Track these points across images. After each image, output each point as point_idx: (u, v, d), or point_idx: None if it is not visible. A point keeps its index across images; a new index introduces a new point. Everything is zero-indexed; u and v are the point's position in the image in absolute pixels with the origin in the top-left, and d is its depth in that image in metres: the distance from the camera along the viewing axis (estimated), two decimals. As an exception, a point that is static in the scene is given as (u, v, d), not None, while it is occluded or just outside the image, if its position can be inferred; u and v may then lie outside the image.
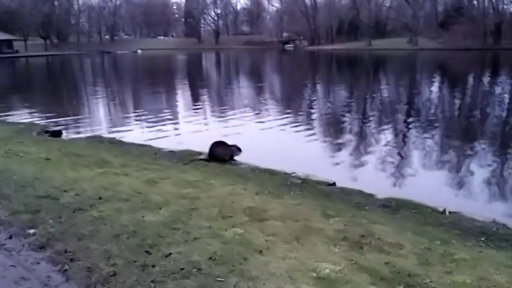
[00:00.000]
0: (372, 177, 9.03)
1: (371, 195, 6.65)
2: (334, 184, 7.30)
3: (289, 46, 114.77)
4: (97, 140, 10.95)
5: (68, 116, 17.12)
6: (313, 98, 23.25)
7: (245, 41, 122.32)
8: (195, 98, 24.38)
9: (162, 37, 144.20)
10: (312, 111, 18.70)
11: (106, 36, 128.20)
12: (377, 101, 21.64)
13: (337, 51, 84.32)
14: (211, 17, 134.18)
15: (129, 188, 6.46)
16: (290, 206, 5.84)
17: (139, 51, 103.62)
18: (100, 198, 5.93)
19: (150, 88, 28.95)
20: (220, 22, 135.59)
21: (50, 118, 16.34)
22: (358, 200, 6.39)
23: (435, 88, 27.77)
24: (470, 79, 32.89)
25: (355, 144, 12.12)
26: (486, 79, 32.36)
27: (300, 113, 18.05)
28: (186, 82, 34.47)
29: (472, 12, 75.61)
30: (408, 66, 49.51)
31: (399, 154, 10.92)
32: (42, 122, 15.15)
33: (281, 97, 25.03)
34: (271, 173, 7.85)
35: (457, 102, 21.50)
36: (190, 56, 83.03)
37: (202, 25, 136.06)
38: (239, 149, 9.03)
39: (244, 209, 5.64)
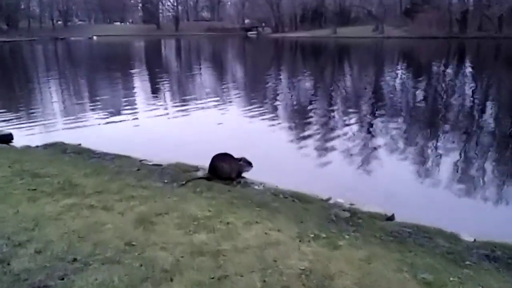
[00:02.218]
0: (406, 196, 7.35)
1: (457, 237, 4.84)
2: (393, 216, 5.45)
3: (251, 33, 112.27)
4: (59, 149, 8.69)
5: (20, 114, 14.60)
6: (283, 89, 21.46)
7: (206, 27, 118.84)
8: (158, 89, 22.09)
9: (118, 23, 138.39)
10: (287, 103, 17.01)
11: (59, 22, 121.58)
12: (343, 91, 20.25)
13: (302, 39, 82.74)
14: (170, 2, 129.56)
15: (116, 236, 4.41)
16: (361, 265, 3.97)
17: (95, 37, 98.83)
18: (75, 260, 3.87)
19: (109, 79, 26.37)
20: (180, 8, 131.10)
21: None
22: (446, 247, 4.57)
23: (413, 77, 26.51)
24: (437, 68, 31.98)
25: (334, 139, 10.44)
26: (452, 68, 31.65)
27: (275, 107, 16.40)
28: (147, 72, 31.88)
29: (438, 1, 75.37)
30: (375, 55, 48.42)
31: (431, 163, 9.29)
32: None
33: (247, 86, 23.07)
34: (302, 199, 5.94)
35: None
36: (149, 43, 79.58)
37: (161, 11, 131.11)
38: (249, 164, 7.06)
39: (298, 275, 3.75)
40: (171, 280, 3.61)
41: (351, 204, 5.67)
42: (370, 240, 4.63)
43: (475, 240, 4.75)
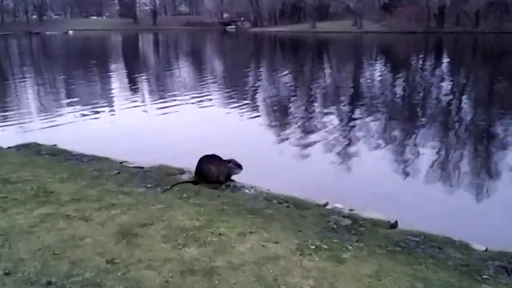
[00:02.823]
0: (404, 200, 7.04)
1: (467, 246, 4.48)
2: (396, 223, 5.08)
3: (230, 28, 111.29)
4: (33, 150, 8.11)
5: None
6: (264, 85, 21.04)
7: (185, 22, 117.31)
8: (136, 86, 21.47)
9: (95, 17, 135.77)
10: (269, 101, 16.57)
11: (34, 16, 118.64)
12: (325, 87, 19.96)
13: (281, 34, 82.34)
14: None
15: (96, 252, 3.94)
16: (371, 284, 3.61)
17: (71, 32, 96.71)
18: (49, 283, 3.40)
19: (86, 75, 25.53)
20: (157, 1, 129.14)
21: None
22: (459, 258, 4.20)
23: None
24: (416, 62, 32.00)
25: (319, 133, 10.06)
26: (430, 63, 31.67)
27: (257, 104, 16.02)
28: (124, 68, 31.07)
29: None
30: (354, 50, 48.31)
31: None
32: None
33: (228, 83, 22.54)
34: (297, 204, 5.52)
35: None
36: (126, 38, 78.26)
37: (138, 5, 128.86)
38: (239, 166, 6.62)
39: None
40: (161, 306, 3.16)
41: (350, 210, 5.29)
42: (375, 251, 4.25)
43: (486, 249, 4.42)
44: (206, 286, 3.46)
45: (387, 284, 3.58)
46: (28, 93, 18.94)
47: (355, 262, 3.97)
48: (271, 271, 3.72)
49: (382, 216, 5.09)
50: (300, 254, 4.06)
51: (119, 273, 3.61)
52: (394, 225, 4.99)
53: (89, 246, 4.07)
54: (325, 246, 4.27)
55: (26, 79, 23.48)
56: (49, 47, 58.46)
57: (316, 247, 4.23)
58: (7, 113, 13.89)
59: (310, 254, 4.07)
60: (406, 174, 8.05)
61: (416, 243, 4.44)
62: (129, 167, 7.01)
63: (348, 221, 4.92)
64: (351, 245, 4.35)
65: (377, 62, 33.02)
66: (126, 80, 23.57)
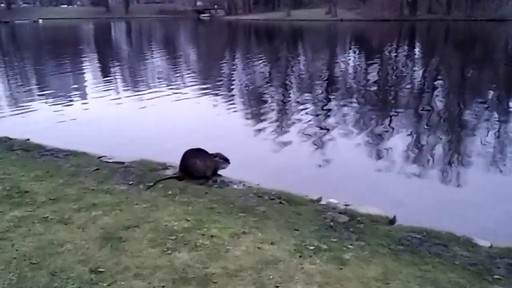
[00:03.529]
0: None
1: (472, 243, 4.27)
2: (394, 219, 4.84)
3: (204, 16, 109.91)
4: (4, 146, 7.60)
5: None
6: (239, 74, 20.70)
7: (158, 10, 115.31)
8: (110, 76, 20.82)
9: (65, 6, 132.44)
10: (245, 90, 16.28)
11: (2, 4, 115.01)
12: (301, 76, 19.63)
13: (256, 22, 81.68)
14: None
15: (78, 260, 3.60)
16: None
17: (40, 21, 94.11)
18: (27, 299, 3.03)
19: (58, 65, 24.67)
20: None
21: None
22: (466, 256, 3.99)
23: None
24: (390, 50, 32.07)
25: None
26: (403, 50, 31.75)
27: (233, 94, 15.72)
28: (97, 57, 30.22)
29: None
30: (329, 37, 48.20)
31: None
32: None
33: (203, 72, 22.07)
34: (290, 200, 5.23)
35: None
36: (98, 27, 76.51)
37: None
38: (226, 160, 6.28)
39: None
40: (154, 323, 2.84)
41: (346, 205, 5.04)
42: (378, 251, 4.01)
43: (491, 245, 4.22)
44: (202, 296, 3.15)
45: (397, 288, 3.34)
46: (-3, 84, 18.15)
47: (359, 264, 3.72)
48: (271, 277, 3.45)
49: (380, 212, 4.85)
50: (300, 256, 3.79)
51: (105, 284, 3.28)
52: (392, 221, 4.76)
53: (70, 253, 3.72)
54: (324, 246, 4.01)
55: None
56: (19, 36, 56.64)
57: (315, 248, 3.97)
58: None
59: (310, 256, 3.81)
60: (394, 165, 7.85)
61: (419, 240, 4.21)
62: (108, 162, 6.62)
63: (345, 218, 4.66)
64: (351, 244, 4.10)
65: (351, 50, 32.90)
66: (100, 71, 22.88)
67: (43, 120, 11.29)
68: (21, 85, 18.28)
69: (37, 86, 17.84)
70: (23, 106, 13.12)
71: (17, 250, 3.74)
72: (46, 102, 13.80)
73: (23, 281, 3.27)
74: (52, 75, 20.51)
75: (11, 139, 7.96)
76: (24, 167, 6.22)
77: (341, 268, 3.62)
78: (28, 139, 7.96)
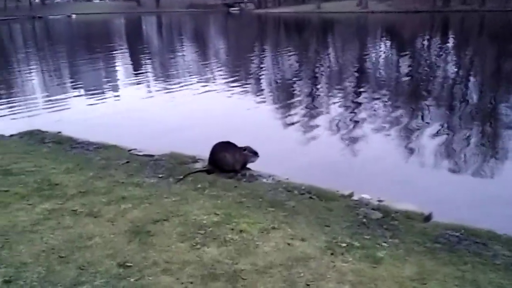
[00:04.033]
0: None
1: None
2: (430, 215, 4.65)
3: (234, 10, 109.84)
4: (36, 138, 7.69)
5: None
6: (270, 68, 20.55)
7: (188, 4, 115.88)
8: (141, 70, 20.96)
9: (97, 1, 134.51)
10: (275, 84, 16.13)
11: (37, 0, 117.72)
12: (333, 69, 19.27)
13: (286, 15, 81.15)
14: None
15: (106, 254, 3.56)
16: (416, 288, 3.16)
17: (73, 16, 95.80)
18: (55, 293, 3.00)
19: (90, 60, 24.98)
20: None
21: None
22: (508, 256, 3.78)
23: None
24: (422, 42, 31.28)
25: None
26: (436, 42, 30.91)
27: (264, 88, 15.59)
28: (129, 51, 30.49)
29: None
30: (360, 30, 47.40)
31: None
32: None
33: (233, 66, 21.92)
34: (321, 195, 5.10)
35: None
36: (129, 21, 77.36)
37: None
38: (255, 154, 6.18)
39: None
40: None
41: (379, 201, 4.87)
42: (413, 249, 3.85)
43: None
44: (232, 294, 3.07)
45: (436, 290, 3.18)
46: (31, 78, 18.50)
47: (393, 263, 3.57)
48: (302, 274, 3.33)
49: (415, 208, 4.66)
50: (332, 254, 3.66)
51: (133, 279, 3.23)
52: (428, 218, 4.57)
53: (99, 247, 3.69)
54: (357, 244, 3.87)
55: (29, 64, 23.03)
56: (52, 31, 57.85)
57: (347, 245, 3.83)
58: (10, 99, 13.52)
59: (342, 254, 3.68)
60: (427, 160, 7.60)
61: (457, 238, 4.02)
62: (138, 155, 6.62)
63: (378, 214, 4.50)
64: (385, 242, 3.95)
65: (382, 43, 32.27)
66: (131, 65, 23.09)
67: (75, 113, 11.43)
68: (54, 79, 18.61)
69: (70, 80, 18.13)
70: (55, 99, 13.32)
71: (46, 243, 3.73)
72: (78, 96, 14.00)
73: (52, 275, 3.25)
74: (85, 69, 20.80)
75: (43, 132, 8.05)
76: (55, 159, 6.26)
77: (374, 267, 3.48)
78: (60, 132, 8.04)
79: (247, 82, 16.04)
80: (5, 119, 10.87)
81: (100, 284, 3.15)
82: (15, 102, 12.99)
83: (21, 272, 3.28)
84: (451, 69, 18.42)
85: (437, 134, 8.93)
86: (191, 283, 3.20)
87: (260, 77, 17.39)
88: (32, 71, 20.36)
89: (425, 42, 30.90)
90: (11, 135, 7.97)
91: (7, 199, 4.69)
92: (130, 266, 3.41)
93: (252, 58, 24.25)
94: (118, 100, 13.59)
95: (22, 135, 7.93)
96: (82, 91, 14.66)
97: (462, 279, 3.36)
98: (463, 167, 7.36)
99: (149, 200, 4.74)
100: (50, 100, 13.20)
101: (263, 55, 25.70)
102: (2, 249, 3.62)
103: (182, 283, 3.19)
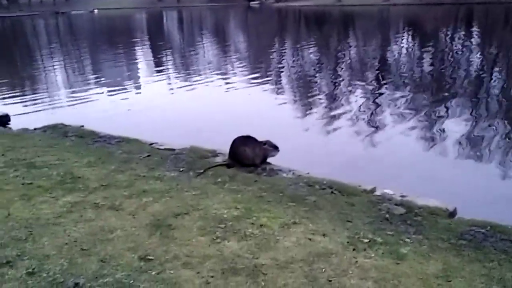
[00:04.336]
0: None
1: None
2: (455, 211, 4.56)
3: (254, 3, 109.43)
4: (60, 132, 7.79)
5: (19, 93, 13.71)
6: (291, 63, 20.39)
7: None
8: (162, 65, 21.09)
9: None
10: (296, 78, 16.00)
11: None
12: (356, 63, 18.98)
13: (306, 8, 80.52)
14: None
15: (127, 247, 3.57)
16: (440, 286, 3.10)
17: (96, 11, 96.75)
18: (77, 286, 3.03)
19: (112, 55, 25.19)
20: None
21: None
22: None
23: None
24: (445, 34, 30.66)
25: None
26: (459, 34, 30.25)
27: (285, 82, 15.54)
28: (150, 46, 30.67)
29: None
30: (382, 23, 46.79)
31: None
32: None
33: (254, 60, 21.83)
34: (342, 190, 5.04)
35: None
36: (150, 16, 77.75)
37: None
38: (275, 148, 6.14)
39: None
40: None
41: (402, 196, 4.79)
42: (438, 245, 3.77)
43: None
44: (253, 288, 3.05)
45: (458, 287, 3.11)
46: (55, 73, 18.78)
47: (417, 259, 3.50)
48: (324, 270, 3.29)
49: (439, 204, 4.57)
50: (354, 250, 3.61)
51: (154, 273, 3.23)
52: (453, 214, 4.47)
53: (120, 240, 3.70)
54: (379, 240, 3.81)
55: (53, 60, 23.36)
56: (75, 27, 58.54)
57: (370, 241, 3.78)
58: (34, 94, 13.73)
59: (365, 249, 3.62)
60: (451, 155, 7.47)
61: (483, 235, 3.93)
62: (159, 149, 6.64)
63: (401, 210, 4.43)
64: (408, 238, 3.88)
65: (404, 36, 31.78)
66: (152, 60, 23.23)
67: (97, 108, 11.54)
68: (77, 74, 18.84)
69: (92, 75, 18.32)
70: (78, 93, 13.49)
71: (68, 236, 3.76)
72: (100, 90, 14.13)
73: (74, 267, 3.28)
74: (107, 65, 21.00)
75: (66, 125, 8.14)
76: (78, 153, 6.32)
77: (398, 263, 3.42)
78: (83, 126, 8.12)
79: (268, 76, 15.96)
80: (30, 113, 11.03)
81: (121, 277, 3.16)
82: (39, 97, 13.19)
83: (44, 264, 3.31)
84: (475, 62, 18.06)
85: (461, 128, 8.76)
86: (212, 277, 3.19)
87: (281, 72, 17.31)
88: (55, 66, 20.65)
89: (448, 35, 30.35)
90: (35, 129, 8.07)
91: (31, 191, 4.75)
92: (151, 259, 3.41)
93: (272, 52, 24.15)
94: (140, 94, 13.68)
95: (45, 128, 8.03)
96: (104, 86, 14.79)
97: (488, 276, 3.28)
98: (488, 162, 7.21)
99: (169, 194, 4.74)
100: (73, 95, 13.36)
101: (283, 50, 25.58)
102: (25, 241, 3.66)
103: (203, 277, 3.18)
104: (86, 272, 3.21)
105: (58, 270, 3.24)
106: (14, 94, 13.48)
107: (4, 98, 12.74)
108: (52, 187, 4.91)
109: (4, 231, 3.81)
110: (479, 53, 21.05)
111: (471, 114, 9.90)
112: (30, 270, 3.23)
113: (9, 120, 9.26)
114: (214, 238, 3.77)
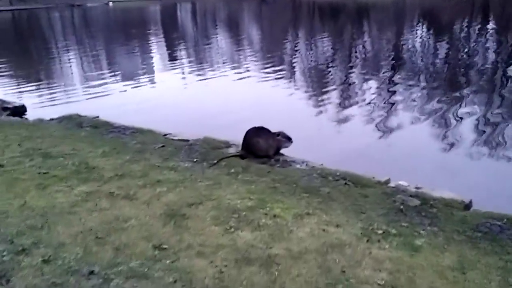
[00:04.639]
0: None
1: None
2: (470, 203, 4.50)
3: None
4: (75, 122, 7.84)
5: (35, 84, 13.84)
6: (305, 55, 20.28)
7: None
8: (176, 56, 21.02)
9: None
10: (310, 70, 15.87)
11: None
12: (371, 56, 18.75)
13: (320, 0, 79.98)
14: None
15: (141, 236, 3.59)
16: (455, 278, 3.13)
17: (111, 3, 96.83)
18: (92, 273, 3.07)
19: (127, 47, 25.21)
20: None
21: (12, 89, 13.06)
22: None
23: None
24: (461, 26, 30.18)
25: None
26: (476, 26, 29.74)
27: (298, 74, 15.47)
28: (164, 38, 30.64)
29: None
30: (396, 14, 46.22)
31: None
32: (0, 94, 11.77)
33: (268, 52, 21.60)
34: (356, 182, 5.01)
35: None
36: (164, 8, 77.63)
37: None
38: (289, 139, 6.12)
39: None
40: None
41: (417, 188, 4.75)
42: (453, 237, 3.73)
43: None
44: (265, 279, 3.06)
45: (474, 279, 3.09)
46: (70, 65, 18.90)
47: (432, 251, 3.47)
48: (337, 261, 3.28)
49: (455, 195, 4.52)
50: (367, 241, 3.59)
51: (168, 262, 3.25)
52: (468, 206, 4.42)
53: (134, 229, 3.73)
54: (394, 231, 3.78)
55: (68, 51, 23.51)
56: (90, 19, 58.78)
57: (384, 232, 3.75)
58: (50, 85, 13.84)
59: (379, 241, 3.60)
60: (466, 147, 7.37)
61: (499, 228, 3.88)
62: (173, 140, 6.66)
63: (416, 201, 4.39)
64: (423, 230, 3.84)
65: (419, 28, 31.36)
66: (166, 51, 23.23)
67: (112, 99, 11.60)
68: (93, 65, 18.93)
69: (108, 66, 18.39)
70: (94, 85, 13.55)
71: (83, 224, 3.79)
72: (115, 81, 14.19)
73: (89, 256, 3.31)
74: (122, 56, 21.06)
75: (81, 116, 8.18)
76: (92, 143, 6.36)
77: (412, 255, 3.40)
78: (97, 117, 8.15)
79: (282, 68, 15.88)
80: (46, 103, 11.13)
81: (135, 265, 3.18)
82: (55, 88, 13.29)
83: (59, 252, 3.34)
84: (492, 55, 17.77)
85: (476, 121, 8.65)
86: (225, 266, 3.19)
87: (295, 64, 17.22)
88: (71, 58, 20.78)
89: (464, 27, 29.91)
90: (51, 119, 8.13)
91: (46, 181, 4.79)
92: (165, 248, 3.43)
93: (286, 44, 24.02)
94: (154, 86, 13.71)
95: (61, 119, 8.08)
96: (119, 78, 14.85)
97: (504, 269, 3.24)
98: (503, 154, 7.11)
99: (183, 184, 4.76)
100: (89, 86, 13.43)
101: (297, 42, 25.42)
102: (41, 229, 3.70)
103: (216, 266, 3.19)
104: (100, 260, 3.24)
105: (73, 258, 3.28)
106: (31, 86, 13.58)
107: (20, 89, 12.85)
108: (67, 176, 4.95)
109: (20, 219, 3.86)
110: (496, 45, 20.73)
111: (487, 105, 9.76)
112: (45, 257, 3.26)
113: (26, 111, 9.34)
114: (228, 228, 3.77)
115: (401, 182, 4.90)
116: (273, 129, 6.06)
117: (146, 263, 3.22)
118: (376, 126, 8.63)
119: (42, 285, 2.93)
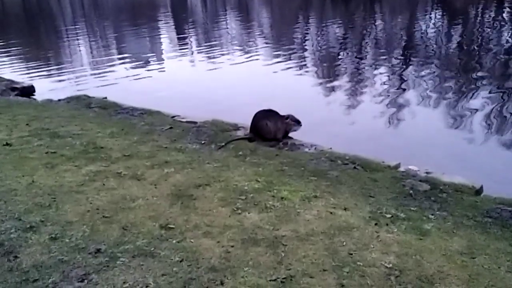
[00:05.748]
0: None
1: None
2: (481, 189, 4.45)
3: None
4: (83, 103, 7.84)
5: (44, 65, 13.85)
6: (315, 38, 20.01)
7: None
8: (185, 39, 20.93)
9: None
10: (319, 54, 15.63)
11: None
12: (384, 41, 18.51)
13: (332, -16, 78.98)
14: None
15: (148, 216, 3.60)
16: (464, 262, 3.09)
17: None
18: (98, 251, 3.07)
19: (136, 29, 25.11)
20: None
21: (21, 70, 13.07)
22: None
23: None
24: (475, 9, 29.64)
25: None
26: (490, 10, 29.17)
27: (308, 57, 15.19)
28: (173, 21, 30.51)
29: None
30: None
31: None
32: (8, 75, 11.77)
33: (277, 35, 21.44)
34: (365, 166, 4.97)
35: None
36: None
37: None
38: (297, 122, 6.08)
39: (385, 276, 2.96)
40: (222, 283, 2.76)
41: (427, 173, 4.70)
42: (462, 222, 3.69)
43: None
44: (271, 259, 3.04)
45: (483, 264, 3.05)
46: (79, 46, 18.88)
47: (441, 235, 3.44)
48: (344, 243, 3.26)
49: (465, 181, 4.46)
50: (376, 224, 3.56)
51: (174, 241, 3.24)
52: (479, 191, 4.37)
53: (142, 209, 3.72)
54: (402, 215, 3.75)
55: (77, 33, 23.48)
56: (101, 1, 58.49)
57: (392, 216, 3.72)
58: (59, 66, 13.83)
59: (387, 225, 3.57)
60: (477, 133, 7.26)
61: (510, 213, 3.83)
62: (181, 121, 6.65)
63: (426, 186, 4.34)
64: (432, 214, 3.80)
65: (432, 10, 30.90)
66: (175, 34, 23.10)
67: (121, 80, 11.56)
68: (102, 47, 18.89)
69: (116, 48, 18.34)
70: (102, 66, 13.55)
71: (91, 204, 3.79)
72: (124, 63, 14.16)
73: (95, 234, 3.31)
74: (131, 39, 20.99)
75: (89, 97, 8.19)
76: (101, 124, 6.36)
77: (421, 239, 3.36)
78: (106, 98, 8.16)
79: (292, 52, 15.72)
80: (54, 84, 11.13)
81: (142, 244, 3.18)
82: (63, 69, 13.29)
83: (66, 230, 3.35)
84: (506, 39, 17.48)
85: (488, 105, 8.52)
86: (232, 246, 3.18)
87: (305, 47, 17.04)
88: (80, 40, 20.75)
89: (479, 10, 29.41)
90: (59, 100, 8.15)
91: (54, 160, 4.80)
92: (172, 228, 3.42)
93: (296, 28, 23.79)
94: (162, 68, 13.66)
95: (69, 99, 8.10)
96: (128, 60, 14.81)
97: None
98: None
99: (191, 165, 4.75)
100: (98, 68, 13.42)
101: (307, 25, 25.18)
102: (49, 208, 3.70)
103: (223, 246, 3.18)
104: (107, 239, 3.24)
105: (80, 236, 3.28)
106: (40, 67, 13.59)
107: (30, 71, 12.86)
108: (75, 156, 4.96)
109: (28, 198, 3.87)
110: (510, 30, 20.39)
111: (501, 92, 9.61)
112: (53, 235, 3.27)
113: (34, 91, 9.36)
114: (235, 209, 3.76)
115: (411, 167, 4.85)
116: (282, 112, 6.02)
117: (152, 242, 3.21)
118: (387, 111, 8.54)
119: (49, 263, 2.93)
